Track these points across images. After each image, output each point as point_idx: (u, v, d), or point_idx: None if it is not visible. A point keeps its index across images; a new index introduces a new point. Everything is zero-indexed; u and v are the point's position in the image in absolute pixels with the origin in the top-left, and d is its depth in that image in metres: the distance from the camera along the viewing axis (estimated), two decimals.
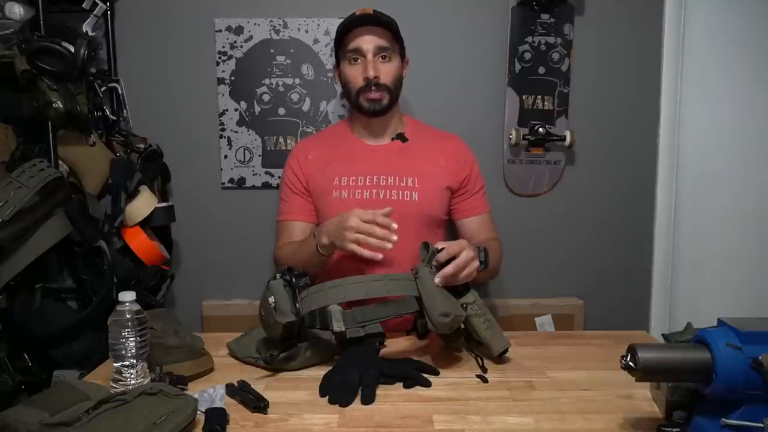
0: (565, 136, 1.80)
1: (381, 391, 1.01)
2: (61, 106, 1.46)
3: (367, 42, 1.40)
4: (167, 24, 1.81)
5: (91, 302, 1.43)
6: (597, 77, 1.86)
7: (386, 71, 1.42)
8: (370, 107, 1.43)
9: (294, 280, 1.10)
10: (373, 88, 1.41)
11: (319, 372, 1.07)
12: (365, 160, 1.48)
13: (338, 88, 1.82)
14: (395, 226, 1.21)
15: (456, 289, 1.15)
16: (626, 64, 1.86)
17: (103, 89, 1.67)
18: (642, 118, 1.88)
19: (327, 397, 0.99)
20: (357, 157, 1.49)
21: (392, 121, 1.51)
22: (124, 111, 1.75)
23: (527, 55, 1.83)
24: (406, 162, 1.48)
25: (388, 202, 1.43)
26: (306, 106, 1.84)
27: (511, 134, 1.82)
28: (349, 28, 1.42)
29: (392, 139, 1.51)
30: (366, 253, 1.20)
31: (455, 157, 1.51)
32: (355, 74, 1.43)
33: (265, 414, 0.94)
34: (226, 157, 1.86)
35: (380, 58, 1.42)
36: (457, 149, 1.54)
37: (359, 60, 1.42)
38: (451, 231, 1.57)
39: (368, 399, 0.97)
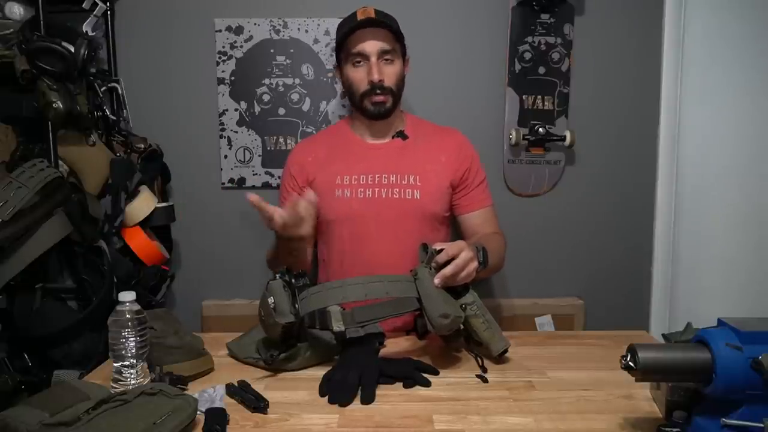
0: (565, 136, 1.80)
1: (381, 391, 1.01)
2: (61, 106, 1.46)
3: (371, 45, 1.40)
4: (167, 24, 1.81)
5: (91, 302, 1.43)
6: (597, 77, 1.86)
7: (390, 73, 1.42)
8: (375, 110, 1.43)
9: (293, 280, 1.10)
10: (378, 91, 1.41)
11: (319, 372, 1.07)
12: (366, 158, 1.48)
13: (338, 88, 1.81)
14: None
15: (455, 289, 1.15)
16: (626, 64, 1.86)
17: (103, 89, 1.67)
18: (642, 118, 1.88)
19: (327, 397, 0.99)
20: (358, 155, 1.49)
21: (393, 119, 1.51)
22: (124, 111, 1.76)
23: (527, 55, 1.83)
24: (407, 160, 1.48)
25: (389, 200, 1.44)
26: (306, 106, 1.84)
27: (511, 134, 1.82)
28: (351, 30, 1.42)
29: (393, 137, 1.51)
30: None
31: (455, 151, 1.51)
32: (359, 77, 1.43)
33: (265, 414, 0.94)
34: (226, 157, 1.86)
35: (383, 61, 1.41)
36: (457, 143, 1.53)
37: (362, 63, 1.42)
38: (455, 229, 1.57)
39: (368, 399, 0.97)
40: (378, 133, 1.51)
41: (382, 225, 1.43)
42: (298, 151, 1.57)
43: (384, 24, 1.40)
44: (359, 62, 1.42)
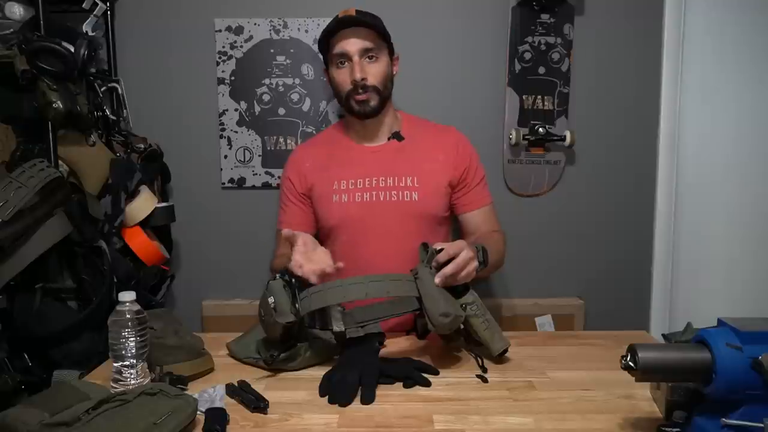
0: (565, 136, 1.80)
1: (381, 391, 1.01)
2: (61, 106, 1.46)
3: (352, 44, 1.39)
4: (167, 24, 1.82)
5: (91, 302, 1.43)
6: (597, 77, 1.86)
7: (373, 72, 1.41)
8: (360, 109, 1.43)
9: (293, 280, 1.10)
10: (361, 90, 1.40)
11: (319, 372, 1.07)
12: (363, 162, 1.48)
13: None
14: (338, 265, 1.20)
15: (455, 289, 1.15)
16: (626, 64, 1.86)
17: (103, 89, 1.67)
18: (642, 118, 1.88)
19: (327, 397, 0.99)
20: (354, 159, 1.49)
21: (386, 120, 1.50)
22: (124, 111, 1.75)
23: (527, 55, 1.83)
24: (404, 161, 1.48)
25: (387, 203, 1.43)
26: (306, 106, 1.84)
27: (511, 134, 1.82)
28: (333, 31, 1.41)
29: (388, 139, 1.51)
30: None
31: (453, 150, 1.50)
32: (343, 77, 1.42)
33: (265, 414, 0.94)
34: (226, 157, 1.86)
35: (366, 59, 1.41)
36: (455, 142, 1.52)
37: (346, 63, 1.42)
38: (454, 230, 1.57)
39: (368, 399, 0.97)
40: (372, 134, 1.51)
41: (381, 228, 1.43)
42: (296, 158, 1.56)
43: (365, 23, 1.40)
44: (342, 63, 1.42)
